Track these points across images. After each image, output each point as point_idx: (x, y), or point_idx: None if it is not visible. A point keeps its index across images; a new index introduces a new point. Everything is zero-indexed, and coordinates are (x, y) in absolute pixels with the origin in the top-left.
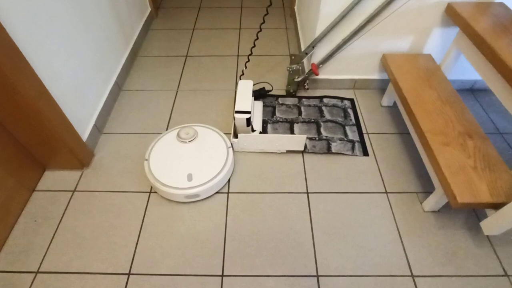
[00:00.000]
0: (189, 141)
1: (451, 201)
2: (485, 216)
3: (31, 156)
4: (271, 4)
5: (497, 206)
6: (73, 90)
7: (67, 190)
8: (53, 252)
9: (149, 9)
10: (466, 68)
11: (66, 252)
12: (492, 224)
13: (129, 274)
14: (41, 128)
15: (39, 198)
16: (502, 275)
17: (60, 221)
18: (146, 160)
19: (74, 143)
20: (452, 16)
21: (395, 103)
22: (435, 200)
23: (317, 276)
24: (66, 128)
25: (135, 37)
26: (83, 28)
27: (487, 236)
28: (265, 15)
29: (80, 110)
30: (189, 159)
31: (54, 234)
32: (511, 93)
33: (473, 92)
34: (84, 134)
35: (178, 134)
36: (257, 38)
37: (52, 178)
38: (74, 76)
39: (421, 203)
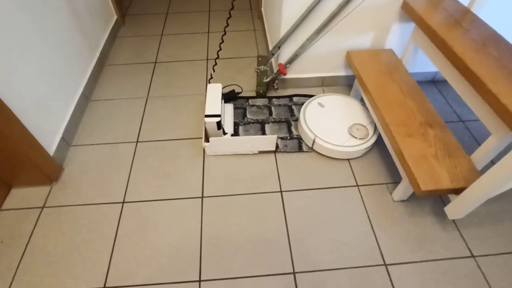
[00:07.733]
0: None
1: (415, 189)
2: (449, 202)
3: None
4: (233, 7)
5: (457, 191)
6: (36, 104)
7: (35, 207)
8: (22, 273)
9: (115, 17)
10: (426, 61)
11: (37, 272)
12: (455, 208)
13: None
14: (2, 146)
15: (5, 218)
16: (469, 257)
17: (29, 240)
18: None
19: (40, 158)
20: (407, 11)
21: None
22: (403, 190)
23: (294, 273)
24: (30, 144)
25: (101, 46)
26: (42, 40)
27: (453, 220)
28: (228, 18)
29: (46, 124)
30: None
31: (22, 255)
32: (464, 83)
33: (434, 83)
34: (51, 148)
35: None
36: (222, 41)
37: (19, 196)
38: (36, 90)
39: (390, 193)
